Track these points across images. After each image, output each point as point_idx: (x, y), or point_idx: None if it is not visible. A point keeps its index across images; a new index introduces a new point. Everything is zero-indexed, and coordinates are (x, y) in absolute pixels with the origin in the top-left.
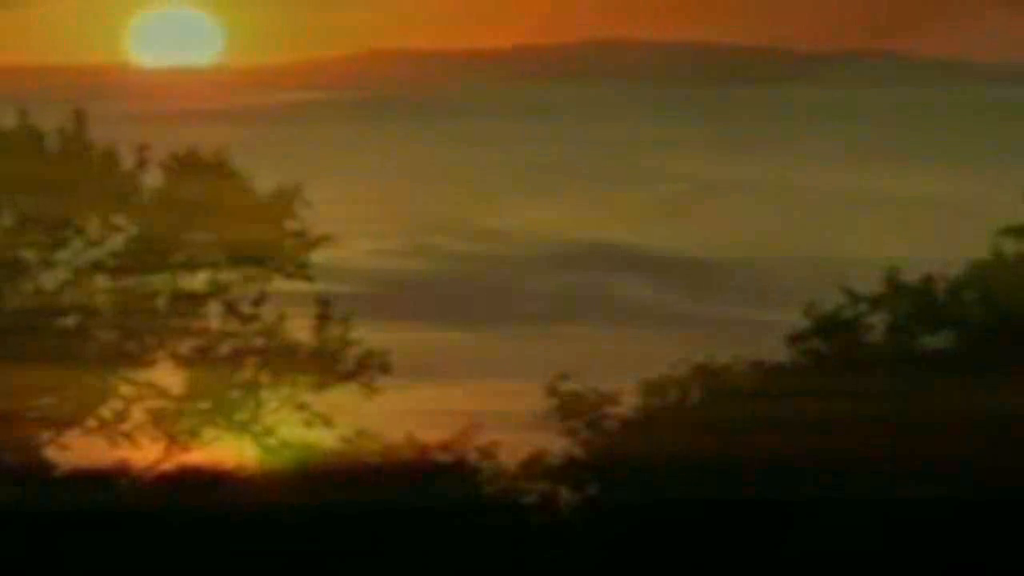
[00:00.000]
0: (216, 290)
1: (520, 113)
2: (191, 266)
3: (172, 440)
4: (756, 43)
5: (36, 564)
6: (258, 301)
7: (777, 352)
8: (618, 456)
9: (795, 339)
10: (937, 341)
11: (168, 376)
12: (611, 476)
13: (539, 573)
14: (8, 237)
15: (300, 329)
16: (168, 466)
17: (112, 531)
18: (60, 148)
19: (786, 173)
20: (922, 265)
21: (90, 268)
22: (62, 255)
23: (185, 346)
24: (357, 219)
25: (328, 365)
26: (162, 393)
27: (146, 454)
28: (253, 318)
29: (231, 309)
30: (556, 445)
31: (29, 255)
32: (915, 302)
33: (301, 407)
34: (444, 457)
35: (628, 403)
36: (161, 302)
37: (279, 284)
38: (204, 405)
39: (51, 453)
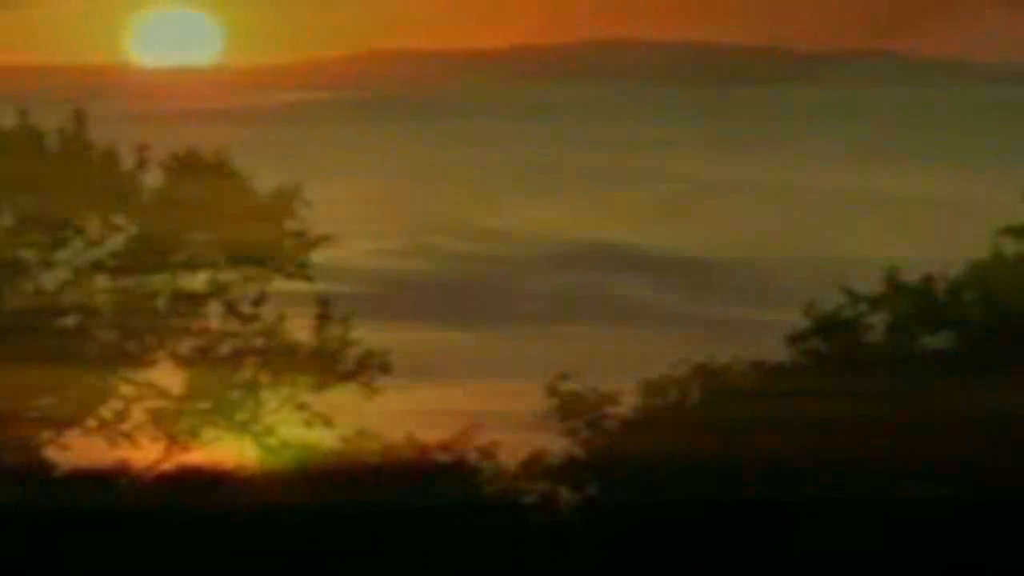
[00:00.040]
0: (216, 290)
1: (520, 113)
2: (191, 266)
3: (172, 440)
4: (756, 43)
5: (36, 564)
6: (258, 301)
7: (777, 352)
8: (618, 456)
9: (795, 339)
10: (937, 341)
11: (168, 376)
12: (611, 476)
13: (539, 573)
14: (8, 237)
15: (300, 329)
16: (168, 466)
17: (112, 531)
18: (60, 148)
19: (786, 173)
20: (922, 265)
21: (90, 268)
22: (62, 255)
23: (185, 346)
24: (357, 219)
25: (328, 365)
26: (162, 393)
27: (146, 454)
28: (253, 318)
29: (231, 309)
30: (556, 445)
31: (29, 255)
32: (915, 302)
33: (301, 407)
34: (444, 457)
35: (628, 403)
36: (161, 302)
37: (279, 284)
38: (204, 405)
39: (51, 453)
